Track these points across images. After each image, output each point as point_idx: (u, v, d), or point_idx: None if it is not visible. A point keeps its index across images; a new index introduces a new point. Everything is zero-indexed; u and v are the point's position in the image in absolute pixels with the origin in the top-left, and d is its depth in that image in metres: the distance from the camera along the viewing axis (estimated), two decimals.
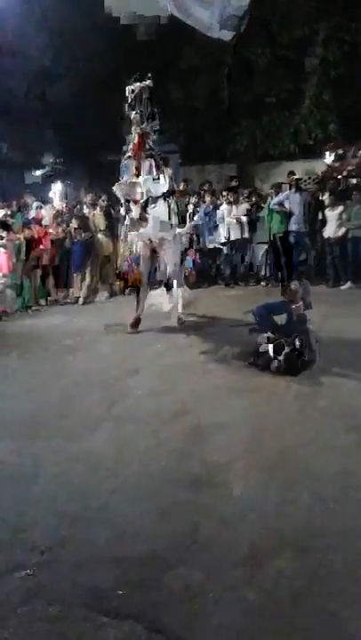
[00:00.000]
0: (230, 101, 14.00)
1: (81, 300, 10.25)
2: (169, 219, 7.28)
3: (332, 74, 13.20)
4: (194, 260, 8.42)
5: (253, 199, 11.05)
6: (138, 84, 6.83)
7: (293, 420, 4.41)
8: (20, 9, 12.95)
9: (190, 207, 11.07)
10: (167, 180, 7.12)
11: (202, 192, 11.80)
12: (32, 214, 10.68)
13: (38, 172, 18.54)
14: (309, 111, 13.70)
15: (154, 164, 6.85)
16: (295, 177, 10.70)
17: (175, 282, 7.72)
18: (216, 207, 10.96)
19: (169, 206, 7.30)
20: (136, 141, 6.72)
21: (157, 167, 6.91)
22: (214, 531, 3.02)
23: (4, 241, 9.53)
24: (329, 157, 12.78)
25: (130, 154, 6.80)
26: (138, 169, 6.73)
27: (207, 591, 2.55)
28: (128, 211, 6.95)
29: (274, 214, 10.63)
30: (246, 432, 4.25)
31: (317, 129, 13.81)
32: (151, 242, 7.33)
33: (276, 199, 10.55)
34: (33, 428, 4.54)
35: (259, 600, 2.48)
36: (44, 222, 10.52)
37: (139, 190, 6.63)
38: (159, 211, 7.04)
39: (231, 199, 10.76)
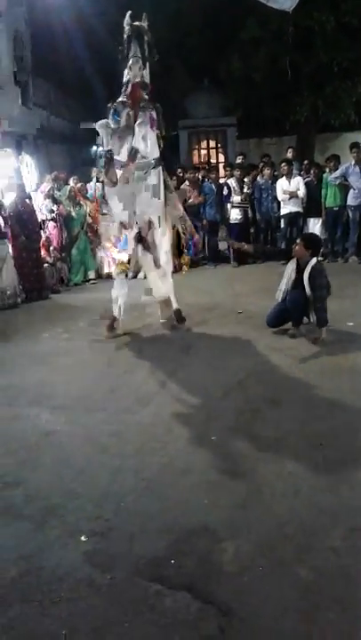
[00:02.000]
0: (291, 72, 13.61)
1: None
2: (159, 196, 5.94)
3: None
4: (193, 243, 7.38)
5: (312, 171, 10.73)
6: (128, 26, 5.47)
7: (346, 398, 4.33)
8: None
9: (247, 180, 10.91)
10: (158, 145, 5.79)
11: (259, 165, 11.58)
12: (91, 189, 10.79)
13: (94, 148, 18.74)
14: None
15: (155, 117, 5.58)
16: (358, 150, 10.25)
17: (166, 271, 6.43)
18: (274, 181, 10.71)
19: (162, 179, 6.01)
20: (130, 90, 5.48)
21: (156, 125, 5.65)
22: (265, 506, 3.02)
23: (54, 214, 9.68)
24: None
25: (124, 98, 5.52)
26: (135, 117, 5.44)
27: (257, 565, 2.56)
28: (109, 167, 5.47)
29: (330, 188, 10.31)
30: (298, 408, 4.21)
31: None
32: (137, 224, 6.03)
33: (335, 173, 10.20)
34: (86, 400, 4.64)
35: (309, 576, 2.47)
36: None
37: (128, 143, 5.33)
38: (151, 183, 5.73)
39: (284, 172, 10.44)
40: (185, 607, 2.33)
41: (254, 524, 2.86)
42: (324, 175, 10.48)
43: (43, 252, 9.36)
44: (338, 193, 10.22)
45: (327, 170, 10.52)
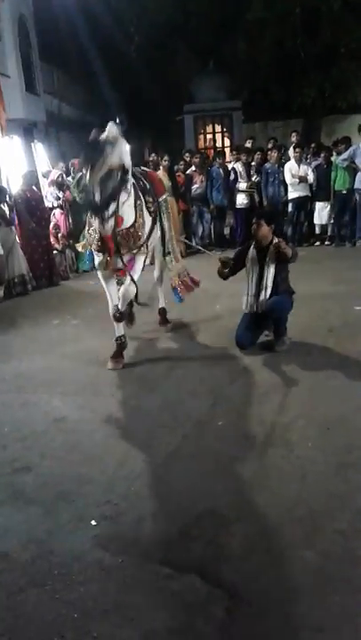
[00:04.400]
0: (298, 53, 13.45)
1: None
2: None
3: None
4: None
5: (322, 155, 10.60)
6: None
7: (354, 385, 4.32)
8: None
9: (253, 164, 10.82)
10: None
11: (265, 149, 11.44)
12: None
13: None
14: None
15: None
16: None
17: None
18: (281, 165, 10.60)
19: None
20: None
21: None
22: (273, 489, 3.03)
23: (60, 201, 9.64)
24: None
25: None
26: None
27: (265, 548, 2.58)
28: None
29: (339, 171, 10.19)
30: (305, 394, 4.21)
31: None
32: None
33: (343, 155, 10.07)
34: (95, 386, 4.67)
35: (317, 559, 2.49)
36: None
37: None
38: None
39: (297, 155, 10.33)
40: (193, 590, 2.36)
41: (262, 508, 2.87)
42: (333, 158, 10.37)
43: (52, 240, 9.34)
44: (347, 176, 10.10)
45: (335, 154, 10.40)
